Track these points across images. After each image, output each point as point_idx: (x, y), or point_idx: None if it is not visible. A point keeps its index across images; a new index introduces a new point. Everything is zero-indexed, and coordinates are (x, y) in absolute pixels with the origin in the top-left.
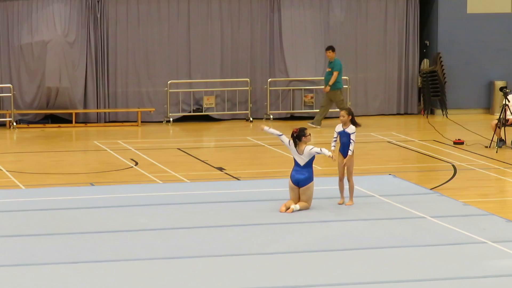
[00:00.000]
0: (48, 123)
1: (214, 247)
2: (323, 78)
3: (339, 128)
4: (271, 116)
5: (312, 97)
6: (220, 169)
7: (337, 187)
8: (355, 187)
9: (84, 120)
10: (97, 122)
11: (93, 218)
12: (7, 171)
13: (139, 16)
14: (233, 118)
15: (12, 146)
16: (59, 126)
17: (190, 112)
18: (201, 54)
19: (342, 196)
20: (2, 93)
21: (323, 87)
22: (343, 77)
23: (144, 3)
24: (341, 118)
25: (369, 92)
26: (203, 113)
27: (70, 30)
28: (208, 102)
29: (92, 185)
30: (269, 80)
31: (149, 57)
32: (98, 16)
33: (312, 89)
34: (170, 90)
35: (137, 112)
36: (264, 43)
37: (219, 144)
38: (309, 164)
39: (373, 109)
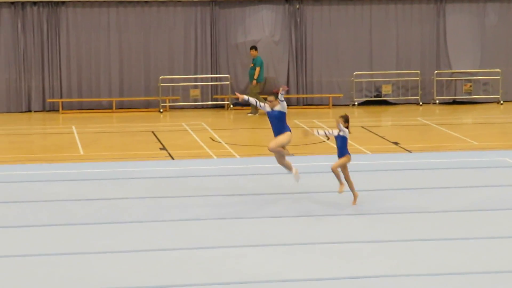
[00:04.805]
0: None
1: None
2: (480, 70)
3: (335, 132)
4: (437, 101)
5: (470, 86)
6: (395, 143)
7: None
8: None
9: (287, 103)
10: (296, 105)
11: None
12: (225, 143)
13: (330, 20)
14: (406, 103)
15: (229, 124)
16: None
17: (371, 97)
18: (380, 51)
19: (340, 183)
20: (222, 82)
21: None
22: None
23: (334, 10)
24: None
25: None
26: (381, 98)
27: (275, 32)
28: (386, 89)
29: (293, 155)
30: (435, 71)
31: (339, 53)
32: (298, 20)
33: (471, 79)
34: (355, 80)
35: (329, 97)
36: (431, 42)
37: (394, 123)
38: (282, 120)
39: None
